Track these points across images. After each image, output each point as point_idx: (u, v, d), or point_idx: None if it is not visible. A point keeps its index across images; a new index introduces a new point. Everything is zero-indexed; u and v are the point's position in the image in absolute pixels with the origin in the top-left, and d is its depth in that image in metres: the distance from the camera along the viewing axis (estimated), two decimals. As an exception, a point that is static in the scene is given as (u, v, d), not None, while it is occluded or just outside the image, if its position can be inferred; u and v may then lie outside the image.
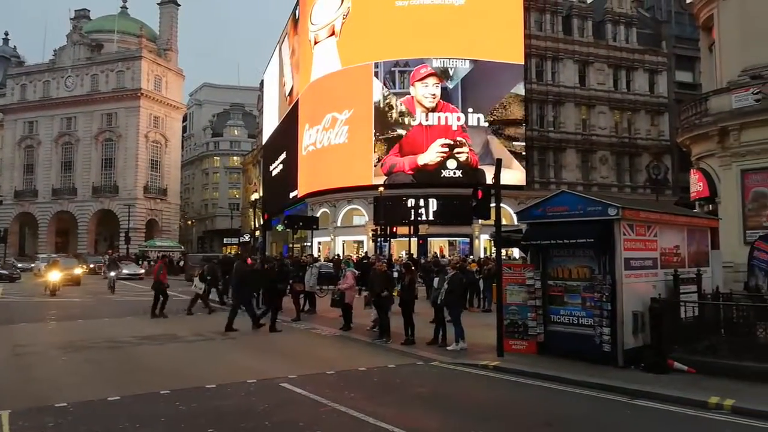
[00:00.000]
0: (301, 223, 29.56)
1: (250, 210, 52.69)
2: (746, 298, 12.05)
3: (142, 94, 62.65)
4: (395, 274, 16.03)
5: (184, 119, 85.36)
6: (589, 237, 10.37)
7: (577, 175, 41.04)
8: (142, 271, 40.30)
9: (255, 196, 38.29)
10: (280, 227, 45.59)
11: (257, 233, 51.58)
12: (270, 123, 60.82)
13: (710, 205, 18.44)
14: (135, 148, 62.54)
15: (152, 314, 17.04)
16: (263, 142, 65.04)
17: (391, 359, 11.19)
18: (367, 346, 12.89)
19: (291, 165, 47.94)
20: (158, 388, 8.49)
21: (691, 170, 20.09)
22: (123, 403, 7.82)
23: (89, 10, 70.56)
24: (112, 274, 27.80)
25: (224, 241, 76.27)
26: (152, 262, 47.73)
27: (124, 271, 37.44)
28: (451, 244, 39.02)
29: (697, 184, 19.28)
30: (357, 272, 15.24)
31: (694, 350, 10.28)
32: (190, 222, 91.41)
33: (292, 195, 47.46)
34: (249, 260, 18.99)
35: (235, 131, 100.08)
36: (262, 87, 69.64)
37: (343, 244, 40.36)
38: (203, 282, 18.85)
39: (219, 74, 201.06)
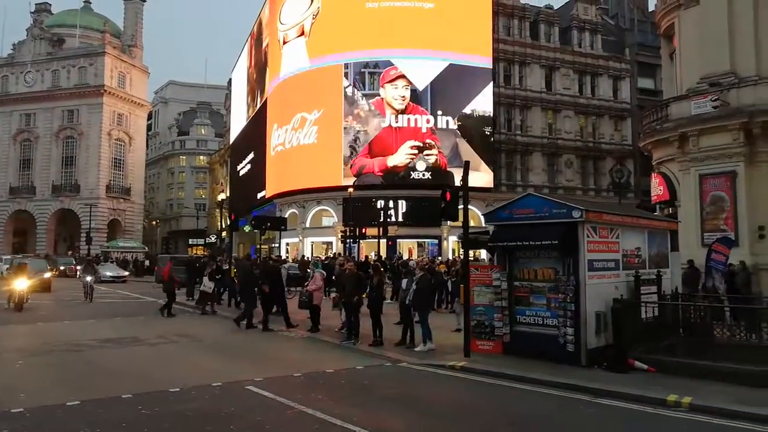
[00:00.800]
0: (269, 224, 29.22)
1: (217, 210, 51.88)
2: (703, 298, 12.46)
3: (106, 90, 61.06)
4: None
5: (149, 117, 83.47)
6: (554, 239, 10.56)
7: (544, 178, 41.74)
8: (126, 273, 38.90)
9: (222, 197, 37.57)
10: (247, 228, 45.06)
11: (224, 234, 50.86)
12: (238, 122, 60.06)
13: (670, 208, 19.01)
14: (97, 146, 60.87)
15: (168, 313, 17.75)
16: (231, 142, 64.19)
17: (359, 361, 11.18)
18: (336, 347, 12.84)
19: (259, 165, 47.41)
20: (120, 393, 8.29)
21: (652, 174, 20.68)
22: (83, 409, 7.61)
23: (50, 4, 68.41)
24: (89, 278, 23.20)
25: (190, 242, 74.82)
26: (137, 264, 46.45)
27: (107, 273, 35.55)
28: (420, 245, 39.19)
29: (657, 188, 19.85)
30: (325, 273, 15.17)
31: (654, 350, 10.58)
32: (154, 222, 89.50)
33: (260, 195, 46.91)
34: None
35: (202, 130, 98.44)
36: (230, 85, 68.71)
37: (312, 245, 40.12)
38: (212, 281, 18.79)
39: (186, 73, 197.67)
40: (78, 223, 59.74)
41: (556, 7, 43.64)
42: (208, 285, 18.55)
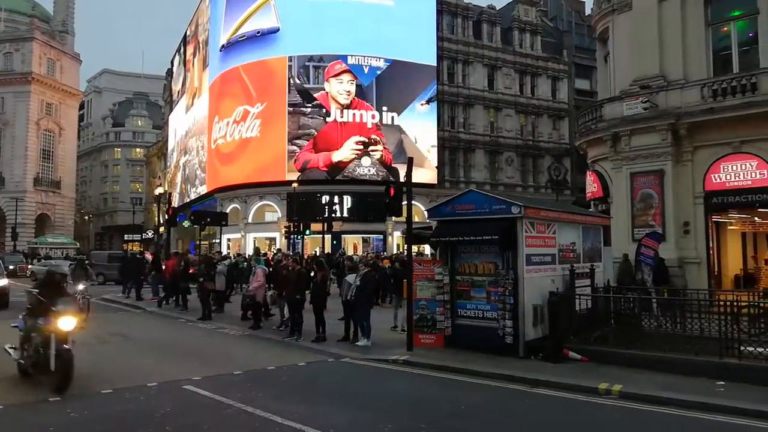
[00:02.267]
0: (208, 219, 28.43)
1: (154, 205, 50.06)
2: (633, 291, 13.07)
3: (33, 78, 57.65)
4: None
5: (81, 107, 79.50)
6: (494, 234, 10.81)
7: (486, 175, 42.69)
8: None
9: (159, 191, 36.20)
10: (186, 223, 43.67)
11: (161, 229, 49.14)
12: (178, 114, 58.13)
13: (604, 205, 19.79)
14: (24, 137, 57.43)
15: (184, 307, 17.75)
16: (169, 134, 62.06)
17: (301, 357, 11.07)
18: (278, 344, 12.67)
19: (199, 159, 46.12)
20: (47, 395, 7.85)
21: (587, 172, 21.47)
22: (7, 413, 7.16)
23: (-28, -15, 63.95)
24: (81, 287, 15.62)
25: (125, 238, 71.94)
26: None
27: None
28: (365, 241, 39.27)
29: (592, 185, 20.63)
30: (267, 270, 14.93)
31: (587, 340, 11.04)
32: (87, 217, 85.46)
33: (200, 190, 45.60)
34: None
35: (139, 121, 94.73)
36: (169, 75, 66.36)
37: (255, 240, 39.40)
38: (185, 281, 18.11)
39: (122, 62, 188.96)
40: (3, 218, 56.24)
41: (498, 8, 44.57)
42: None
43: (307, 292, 13.10)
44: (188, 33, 53.91)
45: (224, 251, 32.16)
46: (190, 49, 53.06)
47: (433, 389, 8.89)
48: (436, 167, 39.02)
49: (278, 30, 37.35)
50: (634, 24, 18.75)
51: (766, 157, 15.94)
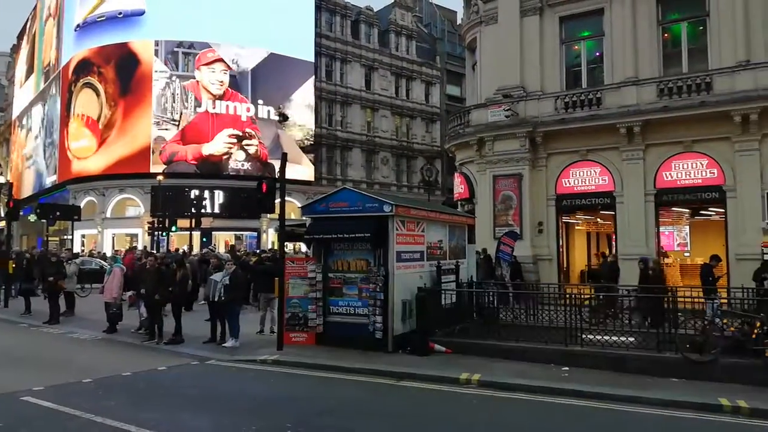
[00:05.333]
0: (58, 213, 25.78)
1: (-6, 196, 44.28)
2: (493, 285, 13.98)
3: None
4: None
5: None
6: (367, 232, 10.97)
7: (362, 174, 43.29)
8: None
9: (0, 180, 32.17)
10: (32, 217, 39.22)
11: (2, 223, 43.65)
12: (24, 95, 51.99)
13: (469, 205, 20.96)
14: None
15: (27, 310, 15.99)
16: (13, 117, 55.32)
17: (162, 361, 10.40)
18: (135, 348, 11.80)
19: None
20: None
21: (456, 174, 22.61)
22: None
23: None
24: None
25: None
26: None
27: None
28: (238, 238, 37.96)
29: (459, 186, 21.77)
30: (125, 268, 13.83)
31: (451, 333, 11.61)
32: None
33: (50, 180, 41.23)
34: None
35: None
36: (15, 53, 59.13)
37: (114, 237, 36.43)
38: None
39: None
40: None
41: (376, 10, 45.38)
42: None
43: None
44: (38, 6, 48.43)
45: (77, 249, 29.36)
46: (39, 25, 47.68)
47: (302, 387, 8.81)
48: (313, 164, 38.83)
49: (143, 12, 34.87)
50: (499, 36, 20.05)
51: (607, 164, 17.87)
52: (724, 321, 9.77)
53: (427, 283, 11.85)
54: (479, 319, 12.43)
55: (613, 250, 18.50)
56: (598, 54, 18.90)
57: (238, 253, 21.70)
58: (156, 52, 34.98)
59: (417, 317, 11.15)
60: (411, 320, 11.29)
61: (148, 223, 28.28)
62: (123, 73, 35.09)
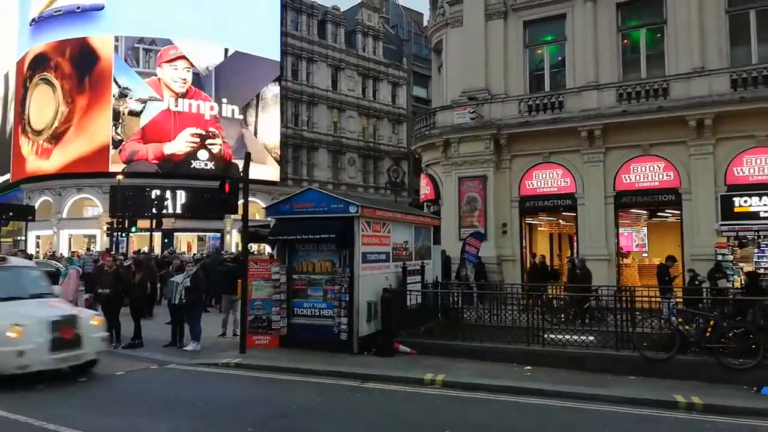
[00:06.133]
0: (12, 213, 24.80)
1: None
2: (458, 286, 14.08)
3: None
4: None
5: None
6: (332, 233, 10.89)
7: (329, 174, 43.07)
8: None
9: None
10: (-17, 218, 37.71)
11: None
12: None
13: (435, 206, 21.08)
14: None
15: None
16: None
17: (120, 366, 10.08)
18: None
19: (1, 143, 40.09)
20: None
21: (422, 175, 22.71)
22: None
23: None
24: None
25: None
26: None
27: None
28: (200, 239, 37.27)
29: (425, 188, 21.87)
30: (81, 270, 13.39)
31: (416, 333, 11.63)
32: None
33: (2, 179, 39.68)
34: None
35: None
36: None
37: (70, 238, 35.29)
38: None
39: None
40: None
41: (342, 10, 45.25)
42: None
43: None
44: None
45: (31, 250, 28.32)
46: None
47: (265, 391, 8.68)
48: (279, 164, 38.43)
49: (103, 7, 33.89)
50: (464, 39, 20.23)
51: (569, 166, 18.22)
52: (679, 320, 10.06)
53: (392, 284, 11.84)
54: (444, 319, 12.49)
55: (575, 251, 18.88)
56: (560, 58, 19.26)
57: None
58: (116, 48, 34.03)
59: (382, 318, 11.12)
60: (376, 321, 11.26)
61: (107, 223, 27.48)
62: (81, 69, 34.01)
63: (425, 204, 22.04)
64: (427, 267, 13.76)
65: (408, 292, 11.97)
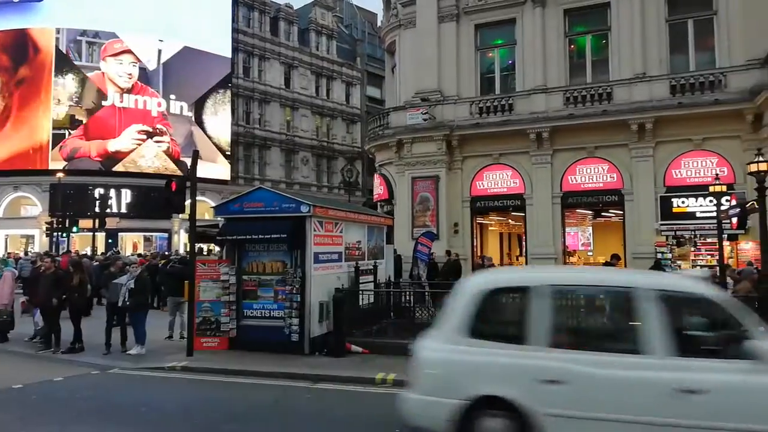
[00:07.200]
0: (-59, 212, 23.37)
1: None
2: (410, 285, 14.16)
3: None
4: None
5: None
6: (283, 232, 10.74)
7: (281, 173, 42.55)
8: None
9: None
10: None
11: None
12: None
13: (389, 206, 21.15)
14: None
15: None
16: None
17: (58, 371, 9.65)
18: (29, 358, 10.90)
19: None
20: None
21: (375, 175, 22.74)
22: None
23: None
24: None
25: None
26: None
27: None
28: (147, 239, 36.12)
29: (379, 187, 21.90)
30: (16, 272, 12.73)
31: (369, 333, 11.61)
32: None
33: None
34: None
35: None
36: None
37: (7, 238, 33.53)
38: None
39: None
40: None
41: (295, 8, 44.80)
42: None
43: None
44: None
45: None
46: None
47: (213, 394, 8.46)
48: (230, 163, 37.69)
49: (42, -2, 32.40)
50: (417, 40, 20.38)
51: (518, 167, 18.64)
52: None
53: (345, 284, 11.78)
54: (397, 318, 12.53)
55: (523, 250, 19.31)
56: (510, 62, 19.67)
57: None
58: (57, 41, 32.57)
59: (334, 318, 11.04)
60: (328, 322, 11.18)
61: (47, 223, 26.29)
62: (19, 62, 32.40)
63: (379, 204, 22.08)
64: (380, 267, 13.77)
65: (360, 292, 11.95)
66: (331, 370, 9.36)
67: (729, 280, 12.44)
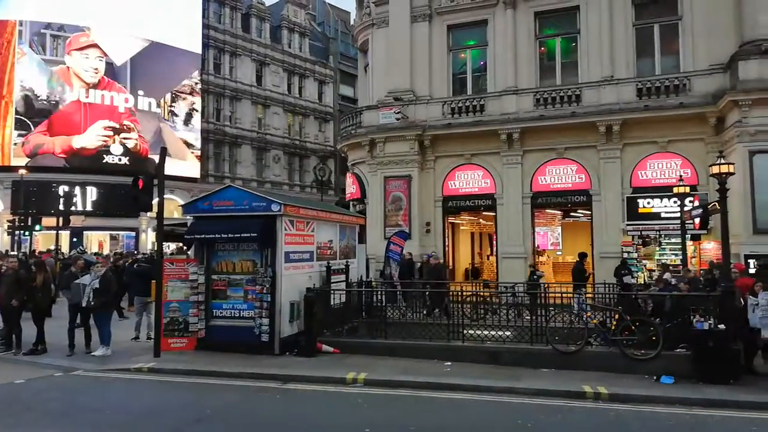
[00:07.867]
0: None
1: None
2: (381, 285, 14.15)
3: None
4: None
5: None
6: (253, 231, 10.63)
7: (252, 172, 42.04)
8: None
9: None
10: None
11: None
12: None
13: (361, 205, 21.10)
14: None
15: None
16: None
17: (20, 373, 9.37)
18: (-12, 361, 10.53)
19: None
20: None
21: (348, 174, 22.67)
22: None
23: None
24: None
25: None
26: None
27: None
28: (113, 238, 35.27)
29: (351, 186, 21.85)
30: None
31: (340, 333, 11.60)
32: None
33: None
34: None
35: None
36: None
37: (-34, 237, 32.34)
38: None
39: None
40: None
41: (267, 4, 44.34)
42: None
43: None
44: None
45: None
46: None
47: (180, 396, 8.32)
48: (199, 160, 37.09)
49: (4, -12, 31.34)
50: (390, 40, 20.39)
51: (489, 168, 18.80)
52: (588, 314, 10.63)
53: (316, 284, 11.73)
54: (368, 318, 12.52)
55: (494, 250, 19.50)
56: (482, 63, 19.83)
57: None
58: (20, 33, 31.54)
59: (305, 318, 10.98)
60: (299, 321, 11.12)
61: (8, 221, 25.44)
62: (-22, 54, 31.26)
63: (351, 203, 22.02)
64: (352, 266, 13.75)
65: (332, 292, 11.91)
66: (301, 370, 9.30)
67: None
